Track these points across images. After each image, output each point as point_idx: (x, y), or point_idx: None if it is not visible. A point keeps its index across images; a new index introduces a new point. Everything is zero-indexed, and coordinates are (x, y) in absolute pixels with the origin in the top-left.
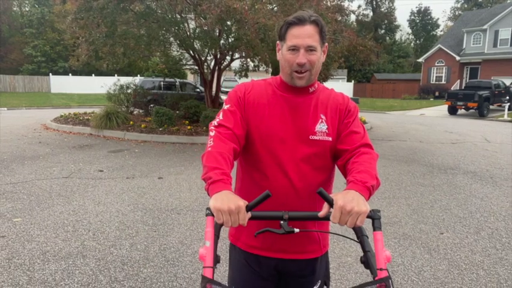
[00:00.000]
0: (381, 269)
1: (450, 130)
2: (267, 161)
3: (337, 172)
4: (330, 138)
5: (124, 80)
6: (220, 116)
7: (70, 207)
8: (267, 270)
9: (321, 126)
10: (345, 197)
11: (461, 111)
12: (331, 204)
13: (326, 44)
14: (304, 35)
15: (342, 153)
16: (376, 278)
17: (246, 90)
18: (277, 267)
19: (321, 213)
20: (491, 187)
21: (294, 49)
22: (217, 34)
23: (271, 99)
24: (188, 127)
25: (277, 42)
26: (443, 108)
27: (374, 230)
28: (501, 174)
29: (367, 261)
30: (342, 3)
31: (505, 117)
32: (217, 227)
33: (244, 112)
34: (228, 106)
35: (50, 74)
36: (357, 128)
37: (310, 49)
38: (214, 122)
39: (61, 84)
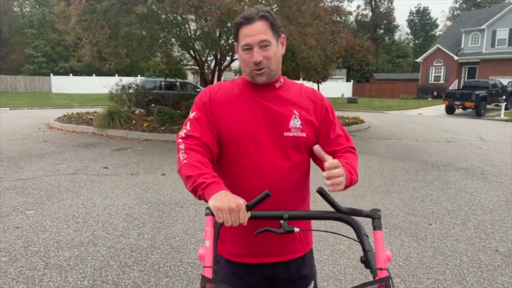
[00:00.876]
0: (381, 269)
1: (446, 129)
2: (242, 163)
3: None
4: (304, 134)
5: (126, 80)
6: (188, 126)
7: (79, 201)
8: (255, 278)
9: (295, 122)
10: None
11: (458, 110)
12: (333, 205)
13: (283, 35)
14: (255, 32)
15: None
16: (376, 278)
17: (212, 92)
18: (265, 273)
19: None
20: (481, 182)
21: (248, 48)
22: (218, 35)
23: (239, 99)
24: None
25: (235, 43)
26: (441, 107)
27: (374, 229)
28: (492, 170)
29: (367, 260)
30: (341, 4)
31: (502, 116)
32: (217, 226)
33: (211, 116)
34: (193, 114)
35: (51, 74)
36: (341, 131)
37: (264, 45)
38: (181, 134)
39: (62, 84)
